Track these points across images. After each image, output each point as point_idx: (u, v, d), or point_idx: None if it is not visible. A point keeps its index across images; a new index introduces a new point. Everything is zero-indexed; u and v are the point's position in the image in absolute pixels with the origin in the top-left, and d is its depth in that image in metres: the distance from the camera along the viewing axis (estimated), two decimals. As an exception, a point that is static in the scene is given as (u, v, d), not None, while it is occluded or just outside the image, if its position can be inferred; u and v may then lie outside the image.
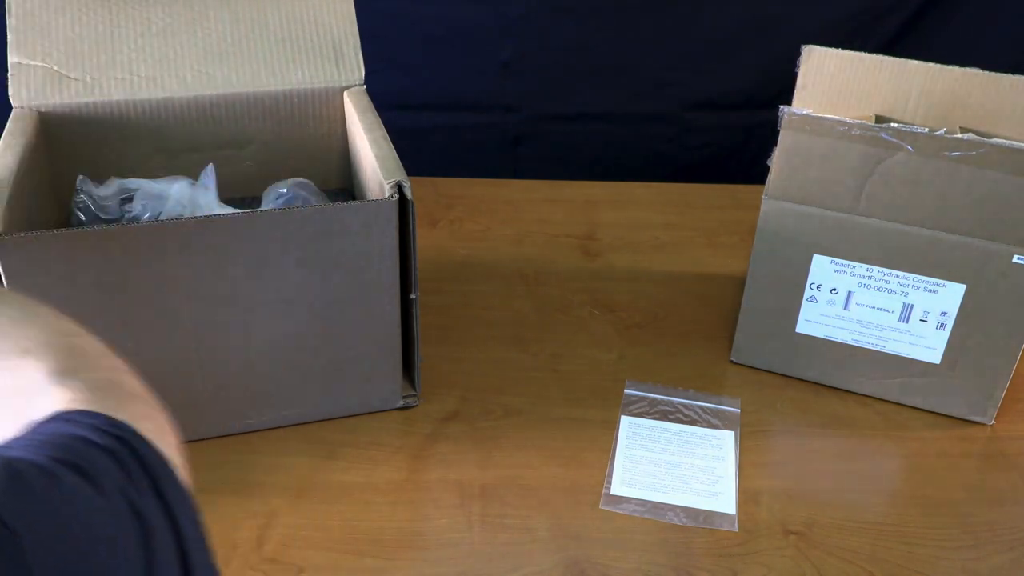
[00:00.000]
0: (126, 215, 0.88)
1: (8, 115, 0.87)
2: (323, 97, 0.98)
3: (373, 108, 0.93)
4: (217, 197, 0.88)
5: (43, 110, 0.89)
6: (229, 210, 0.85)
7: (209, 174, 0.89)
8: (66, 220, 0.89)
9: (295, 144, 1.00)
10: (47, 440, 0.42)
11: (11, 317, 0.53)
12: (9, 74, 0.89)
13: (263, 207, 0.91)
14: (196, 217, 0.77)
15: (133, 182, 0.89)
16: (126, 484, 0.41)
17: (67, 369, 0.50)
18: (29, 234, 0.71)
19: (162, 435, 0.48)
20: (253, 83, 0.95)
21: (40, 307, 0.55)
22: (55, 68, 0.90)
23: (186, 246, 0.74)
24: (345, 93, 0.98)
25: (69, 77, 0.90)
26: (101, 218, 0.87)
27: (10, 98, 0.89)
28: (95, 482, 0.40)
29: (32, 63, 0.90)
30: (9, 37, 0.90)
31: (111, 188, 0.88)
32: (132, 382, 0.52)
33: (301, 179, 0.94)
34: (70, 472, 0.40)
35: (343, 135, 1.01)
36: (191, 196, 0.87)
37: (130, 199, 0.88)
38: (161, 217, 0.86)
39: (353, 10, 0.99)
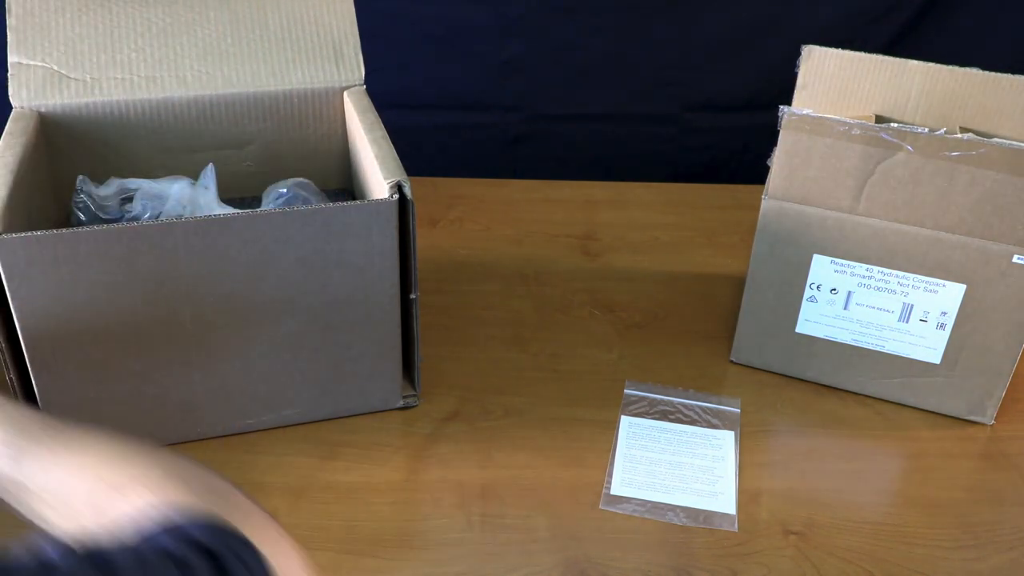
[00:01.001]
0: (126, 215, 0.88)
1: (8, 115, 0.87)
2: (323, 97, 0.98)
3: (373, 108, 0.93)
4: (217, 197, 0.88)
5: (43, 110, 0.89)
6: (229, 210, 0.85)
7: (209, 174, 0.89)
8: (66, 220, 0.89)
9: (295, 144, 1.00)
10: (144, 552, 0.40)
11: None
12: (9, 74, 0.89)
13: (263, 207, 0.92)
14: (196, 217, 0.77)
15: (133, 182, 0.89)
16: None
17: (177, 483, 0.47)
18: (29, 234, 0.70)
19: (278, 552, 0.45)
20: (253, 83, 0.95)
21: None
22: (55, 68, 0.90)
23: (186, 246, 0.74)
24: (345, 93, 0.98)
25: (69, 77, 0.90)
26: (101, 218, 0.87)
27: (10, 98, 0.89)
28: None
29: (32, 63, 0.90)
30: (9, 37, 0.90)
31: (111, 188, 0.89)
32: (254, 509, 0.48)
33: (301, 179, 0.94)
34: None
35: (343, 135, 1.01)
36: (191, 196, 0.88)
37: (130, 199, 0.88)
38: (161, 217, 0.86)
39: (353, 10, 0.99)
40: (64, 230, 0.71)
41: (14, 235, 0.70)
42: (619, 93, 1.54)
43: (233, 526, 0.43)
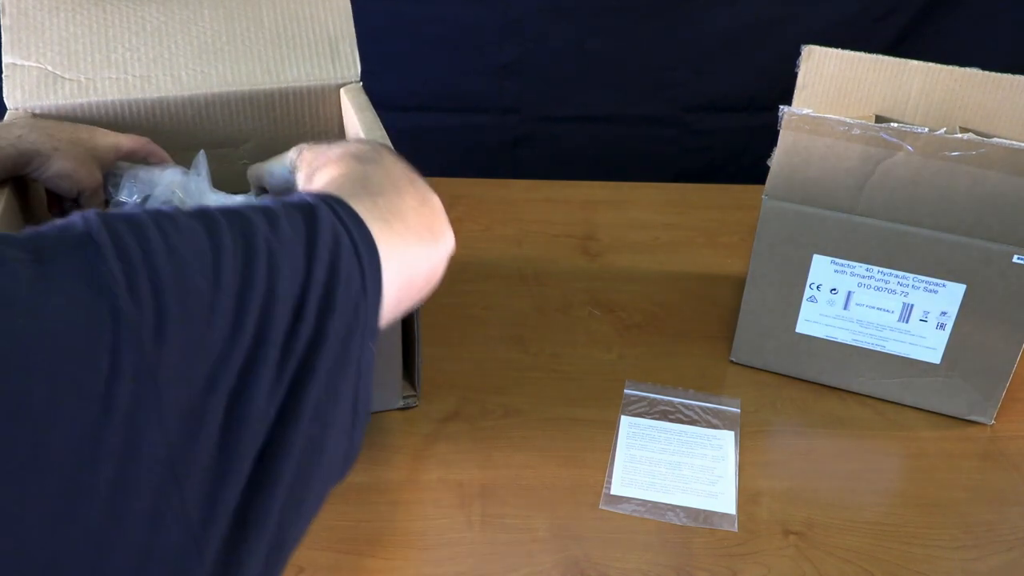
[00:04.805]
0: (112, 197, 0.85)
1: (3, 116, 0.87)
2: (319, 95, 0.97)
3: (371, 106, 0.93)
4: (210, 183, 0.86)
5: (38, 111, 0.89)
6: (222, 195, 0.84)
7: (201, 161, 0.88)
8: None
9: (291, 142, 0.98)
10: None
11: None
12: (3, 75, 0.89)
13: (261, 207, 0.91)
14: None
15: (123, 165, 0.86)
16: (272, 235, 0.42)
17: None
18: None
19: (395, 245, 0.49)
20: (248, 81, 0.94)
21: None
22: (49, 68, 0.90)
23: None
24: (342, 90, 0.97)
25: (64, 77, 0.90)
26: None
27: (4, 99, 0.88)
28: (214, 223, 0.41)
29: (26, 64, 0.90)
30: (3, 37, 0.89)
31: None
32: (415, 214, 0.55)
33: (299, 178, 0.94)
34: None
35: (340, 133, 1.01)
36: (182, 182, 0.86)
37: (117, 184, 0.85)
38: (150, 202, 0.85)
39: (349, 6, 0.99)
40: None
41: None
42: (619, 95, 1.53)
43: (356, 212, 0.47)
